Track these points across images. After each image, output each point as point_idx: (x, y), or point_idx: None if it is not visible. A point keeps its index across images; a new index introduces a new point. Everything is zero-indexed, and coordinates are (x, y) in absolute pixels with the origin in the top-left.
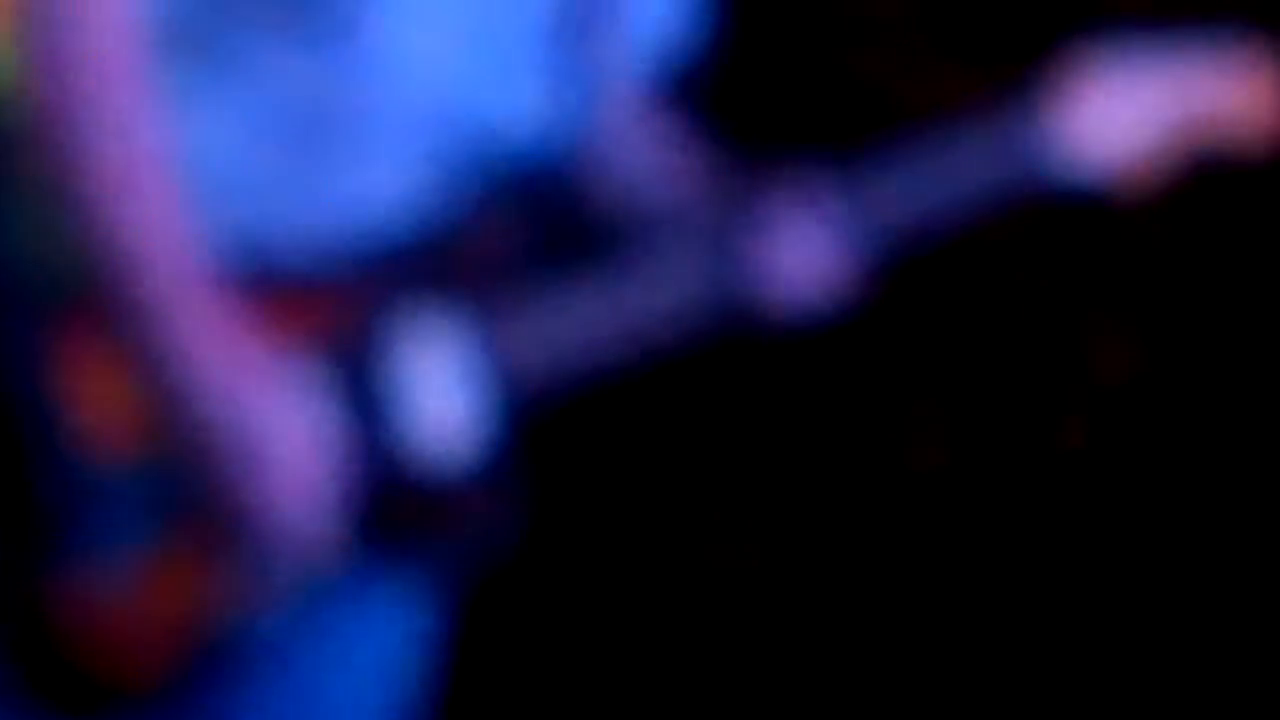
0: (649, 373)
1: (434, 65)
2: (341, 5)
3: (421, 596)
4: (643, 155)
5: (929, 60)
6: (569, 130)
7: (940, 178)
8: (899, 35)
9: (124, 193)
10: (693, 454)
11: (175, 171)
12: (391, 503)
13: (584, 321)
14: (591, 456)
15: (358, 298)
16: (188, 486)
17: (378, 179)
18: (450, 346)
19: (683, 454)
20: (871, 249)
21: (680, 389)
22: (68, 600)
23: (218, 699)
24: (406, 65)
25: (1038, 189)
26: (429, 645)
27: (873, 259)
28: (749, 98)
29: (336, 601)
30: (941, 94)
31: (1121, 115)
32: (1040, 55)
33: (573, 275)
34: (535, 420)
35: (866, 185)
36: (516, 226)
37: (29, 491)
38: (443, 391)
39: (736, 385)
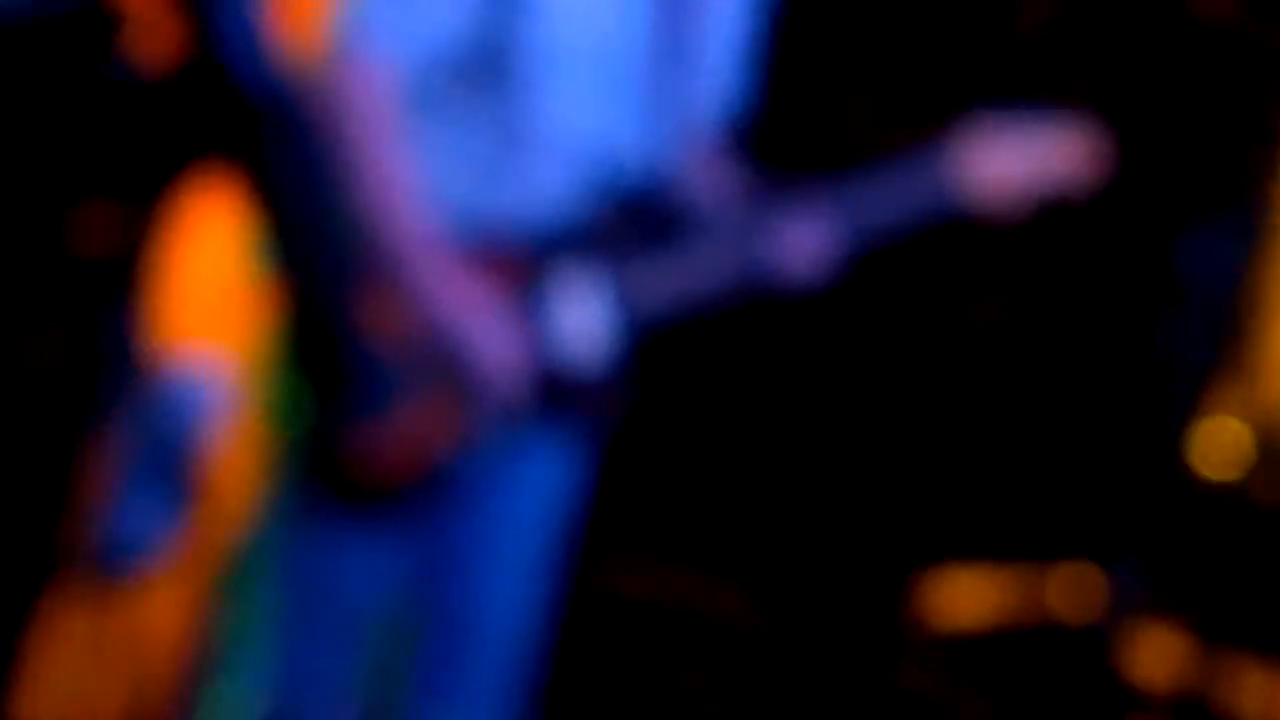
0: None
1: (573, 108)
2: (515, 71)
3: (571, 449)
4: (705, 172)
5: (885, 118)
6: (661, 153)
7: (890, 197)
8: (866, 101)
9: (388, 195)
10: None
11: (416, 179)
12: (553, 386)
13: (671, 281)
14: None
15: (533, 262)
16: (435, 369)
17: (543, 188)
18: (589, 293)
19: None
20: (844, 243)
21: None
22: (357, 433)
23: (443, 506)
24: (561, 111)
25: (946, 211)
26: (576, 483)
27: (845, 249)
28: (770, 138)
29: (519, 448)
30: (892, 143)
31: (1005, 164)
32: (954, 119)
33: (662, 251)
34: (643, 342)
35: (842, 202)
36: (628, 219)
37: (343, 367)
38: (585, 321)
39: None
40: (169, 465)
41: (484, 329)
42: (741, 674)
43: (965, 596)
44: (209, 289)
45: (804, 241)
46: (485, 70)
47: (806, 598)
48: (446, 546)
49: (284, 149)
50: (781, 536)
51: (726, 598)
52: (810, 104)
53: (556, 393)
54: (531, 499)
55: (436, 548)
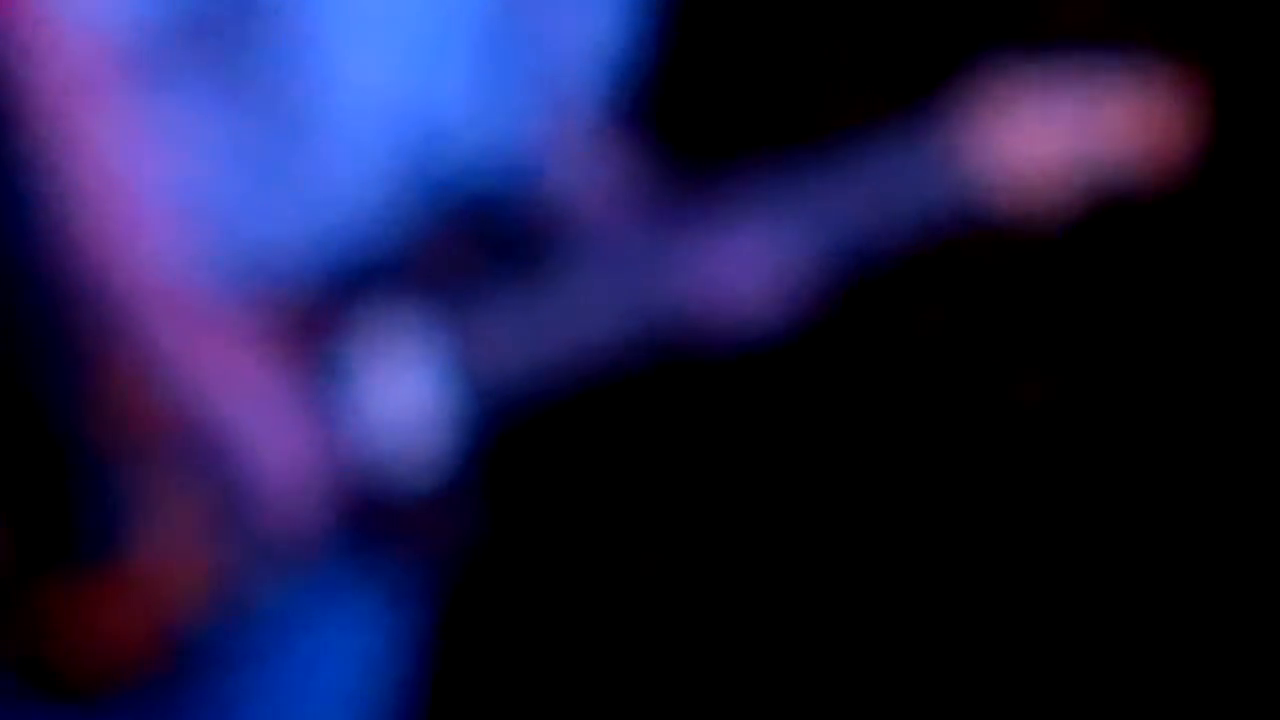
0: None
1: (372, 81)
2: (276, 38)
3: (397, 597)
4: (583, 167)
5: (857, 78)
6: (510, 140)
7: (866, 193)
8: (831, 54)
9: (105, 212)
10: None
11: (153, 197)
12: (361, 501)
13: (529, 331)
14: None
15: (328, 305)
16: (182, 481)
17: (335, 194)
18: (413, 351)
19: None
20: (810, 261)
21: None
22: (61, 592)
23: (203, 692)
24: (346, 84)
25: (950, 206)
26: (406, 644)
27: (814, 272)
28: (688, 115)
29: (316, 602)
30: (868, 112)
31: (1032, 137)
32: (958, 76)
33: (517, 286)
34: (497, 427)
35: (799, 199)
36: (466, 237)
37: (41, 486)
38: (408, 396)
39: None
40: None
41: (258, 414)
42: None
43: None
44: None
45: (741, 262)
46: (233, 25)
47: None
48: None
49: None
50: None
51: None
52: (746, 61)
53: (366, 512)
54: (325, 680)
55: None
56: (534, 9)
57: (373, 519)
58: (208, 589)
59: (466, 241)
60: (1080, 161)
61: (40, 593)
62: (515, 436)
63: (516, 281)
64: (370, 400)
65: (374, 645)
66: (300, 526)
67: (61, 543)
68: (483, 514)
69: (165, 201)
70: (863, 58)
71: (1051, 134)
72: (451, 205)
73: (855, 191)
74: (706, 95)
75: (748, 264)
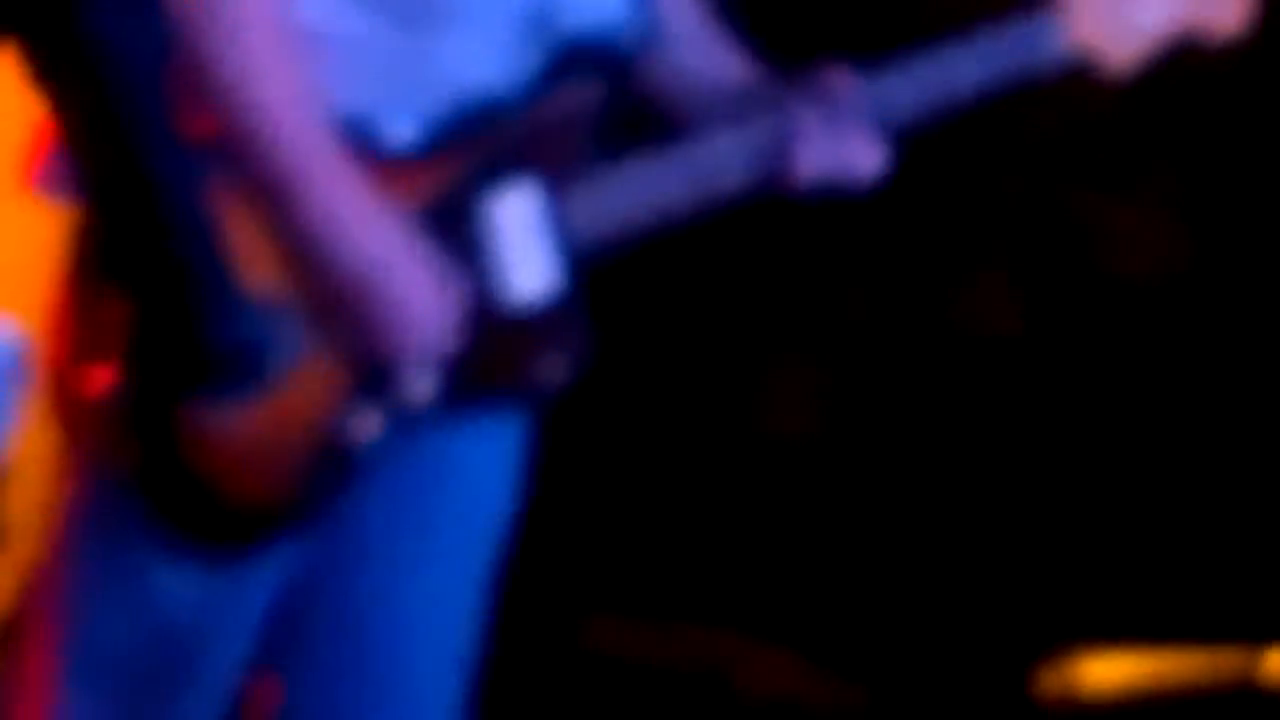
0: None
1: None
2: None
3: (512, 419)
4: (699, 50)
5: None
6: (642, 22)
7: (957, 59)
8: None
9: (258, 76)
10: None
11: (302, 58)
12: (488, 328)
13: (647, 194)
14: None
15: (459, 166)
16: (325, 323)
17: (474, 59)
18: (533, 210)
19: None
20: (890, 134)
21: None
22: (199, 427)
23: (348, 514)
24: None
25: (1044, 64)
26: (520, 459)
27: (893, 141)
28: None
29: (446, 427)
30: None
31: (1134, 5)
32: None
33: (640, 153)
34: (598, 273)
35: (888, 81)
36: (594, 104)
37: (178, 320)
38: (531, 243)
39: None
40: None
41: (403, 263)
42: None
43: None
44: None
45: (829, 139)
46: None
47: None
48: (342, 544)
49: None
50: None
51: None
52: None
53: (492, 343)
54: (460, 485)
55: (330, 544)
56: None
57: (495, 347)
58: (344, 417)
59: (596, 111)
60: (1167, 29)
61: (185, 422)
62: (614, 281)
63: (637, 148)
64: (496, 250)
65: (499, 454)
66: (440, 351)
67: (199, 374)
68: (587, 342)
69: (309, 52)
70: None
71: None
72: (586, 78)
73: (938, 70)
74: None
75: (832, 140)
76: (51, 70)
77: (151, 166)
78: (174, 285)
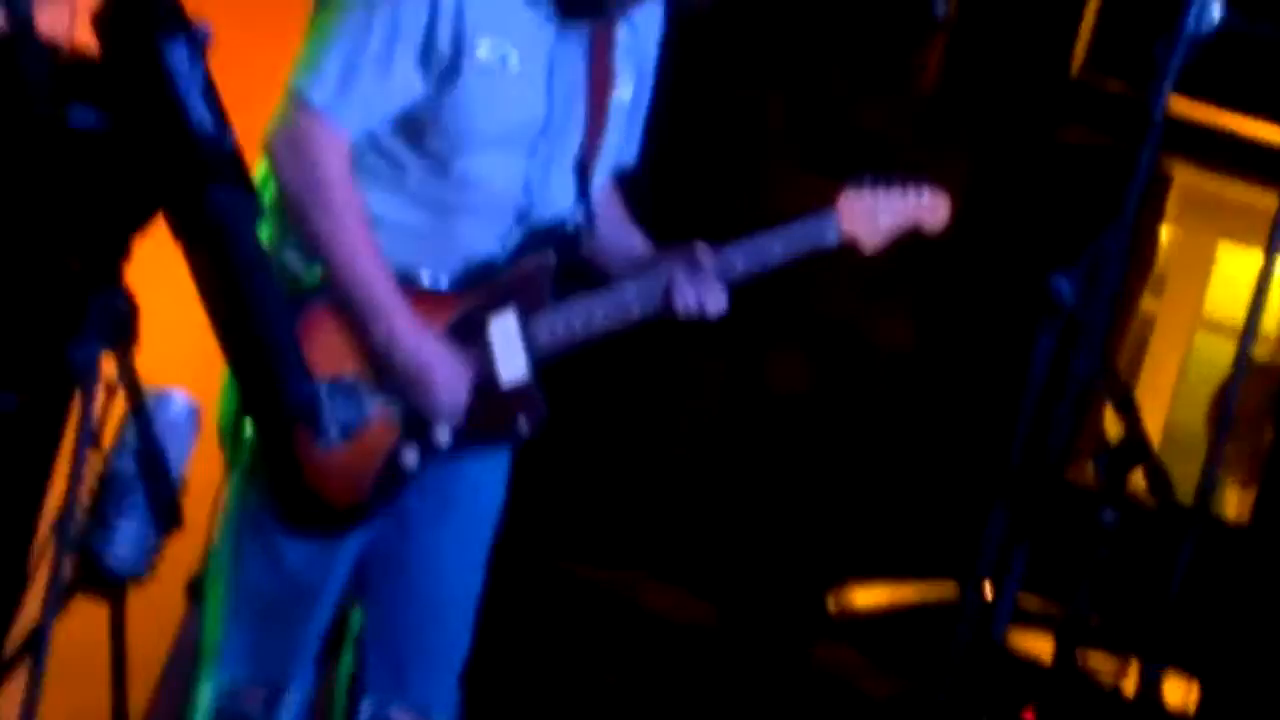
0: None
1: (505, 175)
2: (442, 151)
3: (500, 452)
4: (618, 232)
5: (795, 172)
6: (584, 215)
7: (773, 242)
8: (774, 154)
9: (346, 241)
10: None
11: (370, 233)
12: (486, 398)
13: (584, 320)
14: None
15: (470, 301)
16: (387, 390)
17: (481, 237)
18: (514, 329)
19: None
20: (730, 286)
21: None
22: (309, 455)
23: (401, 508)
24: (489, 176)
25: (826, 247)
26: (505, 474)
27: (731, 287)
28: (670, 195)
29: (460, 457)
30: (799, 196)
31: (880, 213)
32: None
33: (579, 295)
34: (555, 364)
35: (729, 253)
36: (553, 264)
37: (285, 400)
38: (513, 348)
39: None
40: (158, 483)
41: (435, 356)
42: (695, 665)
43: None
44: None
45: (698, 284)
46: (414, 137)
47: (750, 597)
48: (398, 525)
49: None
50: (733, 549)
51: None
52: (709, 164)
53: (489, 402)
54: (470, 489)
55: (391, 525)
56: (603, 143)
57: (490, 404)
58: (398, 453)
59: (553, 267)
60: (900, 225)
61: (300, 452)
62: (565, 369)
63: (577, 289)
64: (493, 349)
65: (493, 470)
66: (457, 410)
67: (286, 424)
68: (545, 408)
69: (378, 236)
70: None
71: (887, 212)
72: (547, 246)
73: (764, 245)
74: (685, 187)
75: (700, 285)
76: (183, 231)
77: (255, 299)
78: (263, 366)
